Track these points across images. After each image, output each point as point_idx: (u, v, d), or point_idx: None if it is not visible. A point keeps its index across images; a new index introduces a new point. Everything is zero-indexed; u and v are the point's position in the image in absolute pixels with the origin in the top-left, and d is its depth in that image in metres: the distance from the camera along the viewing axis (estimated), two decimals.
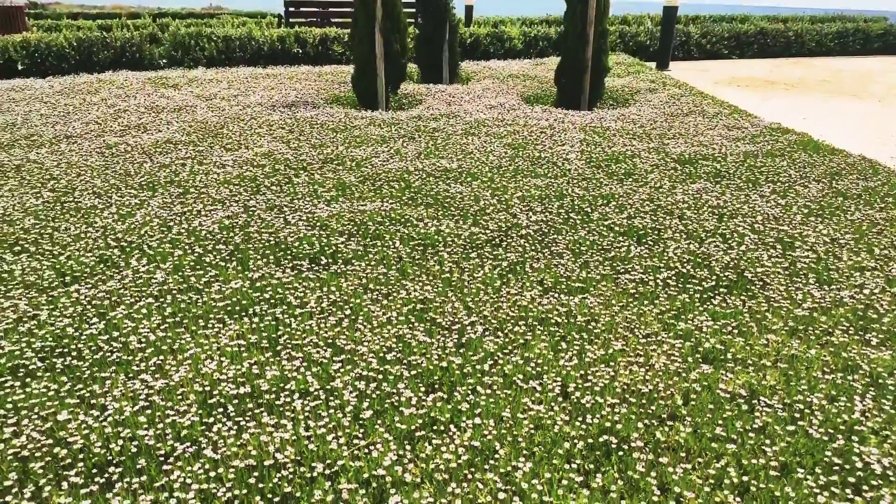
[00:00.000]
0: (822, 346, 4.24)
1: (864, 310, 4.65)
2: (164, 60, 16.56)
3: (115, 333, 4.13)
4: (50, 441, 3.16)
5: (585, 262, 5.49)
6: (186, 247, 5.53)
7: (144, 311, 4.42)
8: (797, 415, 3.47)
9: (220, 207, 6.51)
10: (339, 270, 5.16)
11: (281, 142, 9.13)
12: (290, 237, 5.71)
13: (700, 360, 4.04)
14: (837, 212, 6.77)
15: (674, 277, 5.19)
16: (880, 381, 3.78)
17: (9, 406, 3.43)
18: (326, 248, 5.54)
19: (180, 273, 5.02)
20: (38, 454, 3.09)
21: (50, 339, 4.06)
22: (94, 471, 3.04)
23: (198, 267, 5.18)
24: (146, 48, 16.36)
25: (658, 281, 5.10)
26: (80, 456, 3.10)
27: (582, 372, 3.80)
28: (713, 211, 6.74)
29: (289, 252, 5.47)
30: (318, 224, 6.07)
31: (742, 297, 4.89)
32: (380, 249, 5.57)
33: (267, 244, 5.60)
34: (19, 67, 15.24)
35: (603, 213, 6.65)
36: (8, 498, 2.85)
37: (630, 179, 7.90)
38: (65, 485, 2.94)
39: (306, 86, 13.61)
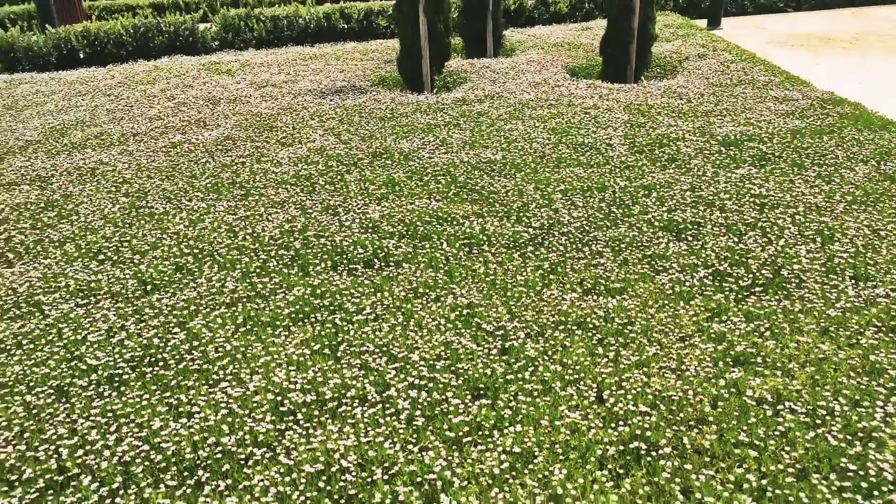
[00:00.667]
0: (851, 346, 4.43)
1: None
2: (216, 43, 17.08)
3: (195, 343, 4.63)
4: (147, 447, 3.68)
5: (624, 260, 5.74)
6: (252, 253, 6.01)
7: (219, 320, 4.92)
8: (819, 420, 3.71)
9: (279, 210, 6.97)
10: (391, 274, 5.55)
11: (332, 134, 9.52)
12: (345, 241, 6.13)
13: (731, 363, 4.29)
14: (882, 199, 6.78)
15: (710, 276, 5.40)
16: None
17: (109, 415, 3.96)
18: (379, 252, 5.93)
19: (248, 280, 5.50)
20: (137, 459, 3.61)
21: (139, 349, 4.59)
22: (186, 473, 3.54)
23: (263, 273, 5.66)
24: (199, 32, 16.90)
25: (695, 280, 5.33)
26: (174, 460, 3.60)
27: (616, 378, 4.11)
28: (755, 201, 6.84)
29: (344, 256, 5.89)
30: (371, 226, 6.47)
31: (777, 296, 5.07)
32: (428, 251, 5.94)
33: (324, 248, 6.03)
34: (81, 56, 15.99)
35: (644, 206, 6.83)
36: (117, 500, 3.37)
37: (673, 166, 8.02)
38: (162, 486, 3.45)
39: (353, 66, 13.92)
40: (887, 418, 3.72)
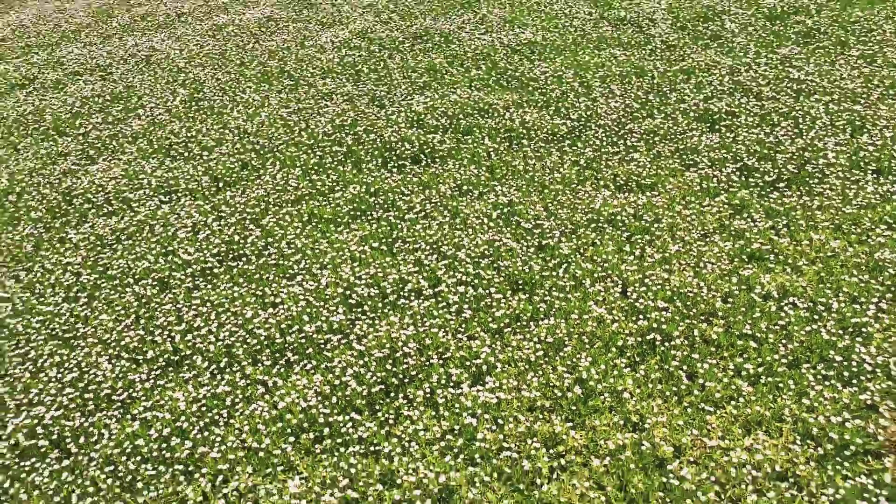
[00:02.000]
0: (860, 244, 4.85)
1: None
2: None
3: (270, 239, 5.29)
4: (243, 332, 4.45)
5: (657, 153, 6.08)
6: (308, 149, 6.51)
7: (287, 217, 5.54)
8: (817, 315, 4.25)
9: (329, 102, 7.36)
10: (437, 171, 6.03)
11: (370, 13, 9.58)
12: (393, 137, 6.55)
13: (746, 260, 4.78)
14: None
15: (738, 171, 5.75)
16: None
17: (207, 304, 4.72)
18: (425, 147, 6.37)
19: (308, 179, 6.05)
20: (237, 342, 4.38)
21: (222, 245, 5.28)
22: (277, 355, 4.32)
23: (320, 170, 6.19)
24: None
25: (722, 176, 5.68)
26: (266, 344, 4.37)
27: (640, 275, 4.66)
28: (792, 86, 6.94)
29: (393, 153, 6.35)
30: (416, 120, 6.85)
31: (799, 192, 5.43)
32: (470, 146, 6.35)
33: (374, 144, 6.49)
34: None
35: (681, 93, 7.01)
36: (225, 376, 4.18)
37: (715, 44, 8.02)
38: (259, 365, 4.24)
39: None
40: (879, 314, 4.23)
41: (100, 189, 6.16)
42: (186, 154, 6.65)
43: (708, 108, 6.69)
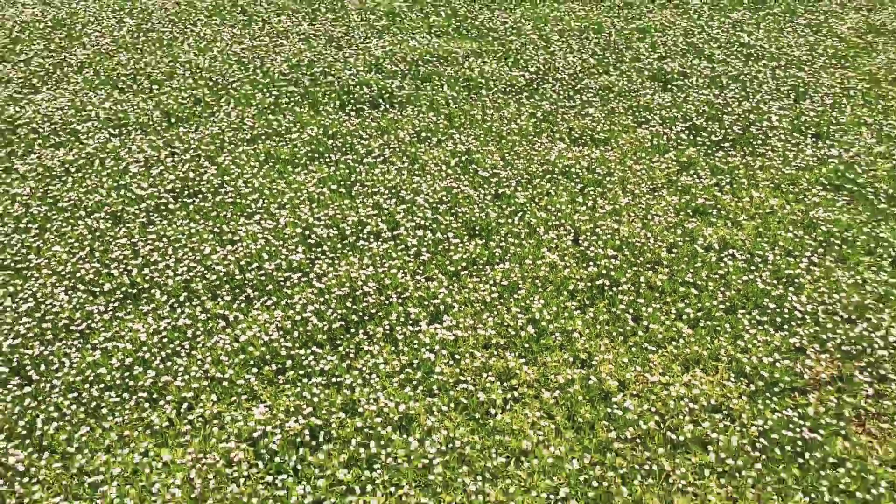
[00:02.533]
0: (797, 202, 5.17)
1: (845, 170, 5.47)
2: None
3: (226, 177, 5.25)
4: (202, 268, 4.45)
5: (612, 110, 6.25)
6: (264, 88, 6.40)
7: (244, 157, 5.49)
8: (754, 266, 4.54)
9: (284, 41, 7.21)
10: (395, 117, 6.05)
11: None
12: (351, 80, 6.51)
13: (690, 213, 5.03)
14: (861, 54, 7.17)
15: (687, 130, 5.98)
16: (832, 239, 4.76)
17: (164, 240, 4.68)
18: (384, 92, 6.36)
19: (264, 118, 5.98)
20: (196, 278, 4.39)
21: (177, 181, 5.20)
22: (237, 291, 4.35)
23: (276, 110, 6.11)
24: None
25: (672, 134, 5.91)
26: (226, 280, 4.39)
27: (592, 225, 4.85)
28: (742, 51, 7.19)
29: (351, 96, 6.32)
30: (374, 65, 6.80)
31: (743, 152, 5.71)
32: (429, 93, 6.37)
33: (331, 87, 6.43)
34: None
35: (636, 51, 7.17)
36: (185, 309, 4.19)
37: (672, 5, 8.19)
38: (219, 300, 4.27)
39: None
40: (810, 267, 4.56)
41: (46, 119, 5.93)
42: (135, 87, 6.45)
43: (662, 67, 6.88)
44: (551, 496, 3.15)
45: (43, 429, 3.44)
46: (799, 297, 4.25)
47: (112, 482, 3.20)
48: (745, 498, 3.13)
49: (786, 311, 4.16)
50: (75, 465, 3.28)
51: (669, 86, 6.62)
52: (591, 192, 5.20)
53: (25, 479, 3.23)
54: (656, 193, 5.24)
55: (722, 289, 4.36)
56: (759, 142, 5.82)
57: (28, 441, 3.41)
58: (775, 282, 4.40)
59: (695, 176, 5.43)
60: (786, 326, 4.10)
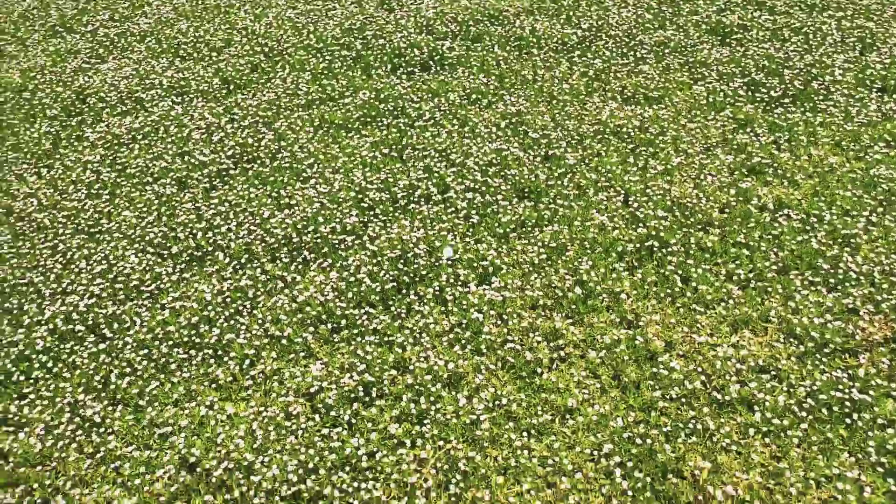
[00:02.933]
0: (857, 160, 5.00)
1: None
2: None
3: (283, 143, 5.42)
4: (262, 232, 4.65)
5: (666, 66, 6.11)
6: (317, 53, 6.51)
7: (299, 122, 5.64)
8: (809, 227, 4.45)
9: (336, 4, 7.28)
10: (446, 79, 6.07)
11: None
12: (402, 43, 6.54)
13: (745, 172, 4.94)
14: None
15: (745, 86, 5.81)
16: (893, 198, 4.61)
17: (226, 204, 4.90)
18: (434, 54, 6.38)
19: (318, 83, 6.10)
20: (256, 241, 4.60)
21: (237, 147, 5.40)
22: (294, 253, 4.54)
23: (330, 75, 6.22)
24: None
25: (729, 90, 5.75)
26: (284, 242, 4.59)
27: (642, 185, 4.83)
28: (805, 1, 6.88)
29: (403, 59, 6.36)
30: (425, 25, 6.80)
31: (803, 108, 5.53)
32: (479, 54, 6.36)
33: (383, 50, 6.49)
34: None
35: (694, 3, 6.95)
36: (246, 271, 4.41)
37: None
38: (278, 262, 4.47)
39: None
40: (868, 226, 4.44)
41: (112, 88, 6.21)
42: (195, 55, 6.65)
43: (720, 20, 6.65)
44: (595, 452, 3.26)
45: (116, 383, 3.73)
46: (855, 258, 4.16)
47: (180, 433, 3.47)
48: (788, 457, 3.16)
49: (840, 271, 4.08)
50: (146, 417, 3.56)
51: (728, 40, 6.42)
52: (643, 153, 5.15)
53: (101, 430, 3.52)
54: (710, 152, 5.15)
55: (775, 249, 4.30)
56: (821, 97, 5.61)
57: (103, 394, 3.71)
58: (831, 242, 4.31)
59: (751, 134, 5.30)
60: (839, 287, 4.03)
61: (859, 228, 4.39)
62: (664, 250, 4.35)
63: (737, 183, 4.83)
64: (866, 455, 3.16)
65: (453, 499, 3.09)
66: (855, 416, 3.30)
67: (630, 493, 3.07)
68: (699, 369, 3.60)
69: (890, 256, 4.14)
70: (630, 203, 4.73)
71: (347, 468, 3.24)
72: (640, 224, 4.54)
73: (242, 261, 4.48)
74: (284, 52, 6.56)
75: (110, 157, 5.42)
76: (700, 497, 3.04)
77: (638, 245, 4.40)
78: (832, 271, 4.13)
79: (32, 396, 3.67)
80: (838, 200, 4.61)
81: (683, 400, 3.46)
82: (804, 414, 3.33)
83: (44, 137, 5.72)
